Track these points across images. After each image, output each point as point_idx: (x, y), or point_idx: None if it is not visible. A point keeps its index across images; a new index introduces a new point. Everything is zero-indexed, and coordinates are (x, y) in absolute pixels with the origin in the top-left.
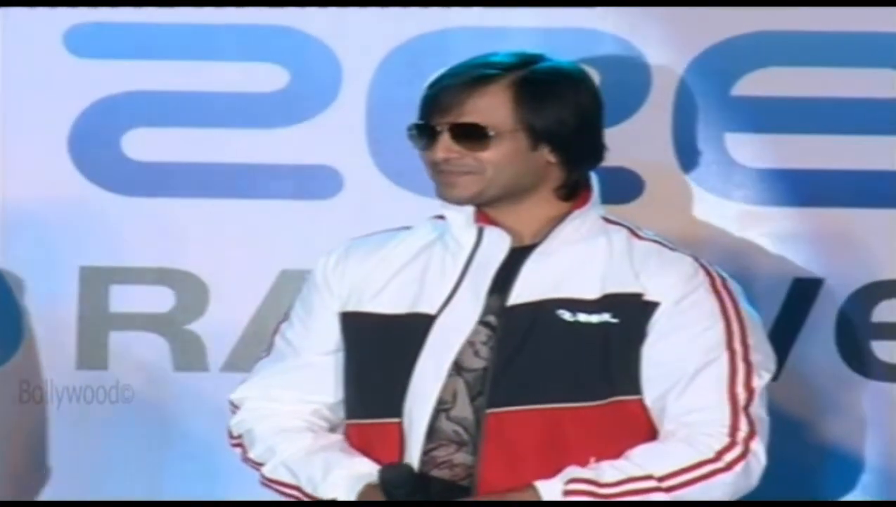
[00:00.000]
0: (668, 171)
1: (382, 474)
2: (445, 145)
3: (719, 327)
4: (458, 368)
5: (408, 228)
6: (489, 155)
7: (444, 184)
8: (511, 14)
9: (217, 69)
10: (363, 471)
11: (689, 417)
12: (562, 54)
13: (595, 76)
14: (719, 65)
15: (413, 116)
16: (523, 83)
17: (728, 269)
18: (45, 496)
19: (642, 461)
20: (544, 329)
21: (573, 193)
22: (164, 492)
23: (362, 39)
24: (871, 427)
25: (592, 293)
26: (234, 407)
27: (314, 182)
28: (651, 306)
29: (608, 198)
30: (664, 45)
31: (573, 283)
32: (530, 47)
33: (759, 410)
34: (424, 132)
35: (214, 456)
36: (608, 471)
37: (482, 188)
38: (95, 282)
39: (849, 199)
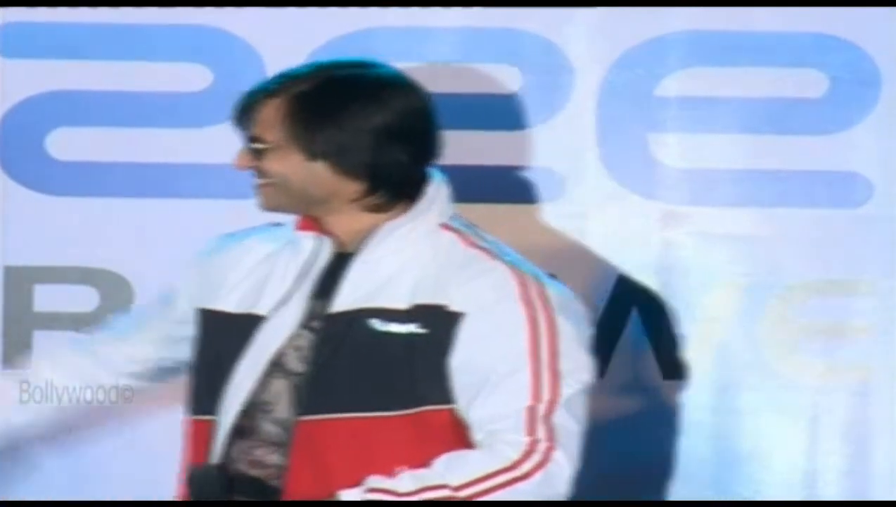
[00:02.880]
0: (591, 171)
1: (189, 472)
2: (241, 154)
3: (523, 335)
4: (284, 371)
5: (275, 225)
6: (269, 166)
7: (255, 194)
8: (437, 14)
9: (142, 69)
10: None
11: (491, 425)
12: (486, 55)
13: (518, 77)
14: (642, 65)
15: None
16: (300, 98)
17: (651, 267)
18: None
19: (443, 469)
20: (356, 338)
21: (387, 204)
22: (92, 490)
23: (286, 39)
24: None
25: (403, 303)
26: None
27: (239, 181)
28: (456, 317)
29: (530, 197)
30: (588, 46)
31: (387, 293)
32: (454, 47)
33: (563, 419)
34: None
35: (146, 450)
36: (406, 480)
37: (280, 199)
38: (20, 281)
39: (771, 199)
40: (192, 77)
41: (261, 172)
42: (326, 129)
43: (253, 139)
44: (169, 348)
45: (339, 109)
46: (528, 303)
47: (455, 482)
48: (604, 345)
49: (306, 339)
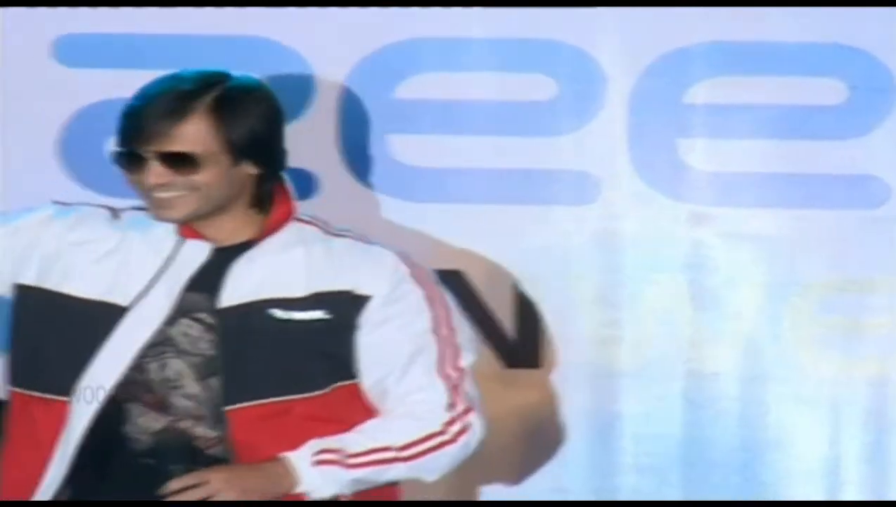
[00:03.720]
0: (622, 174)
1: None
2: (156, 172)
3: (427, 315)
4: (178, 351)
5: (112, 209)
6: (201, 177)
7: (158, 206)
8: (478, 26)
9: None
10: None
11: (409, 397)
12: (524, 65)
13: (554, 86)
14: (671, 74)
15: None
16: (218, 105)
17: (680, 265)
18: None
19: (377, 434)
20: (261, 327)
21: (268, 200)
22: None
23: (334, 49)
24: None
25: (300, 291)
26: None
27: None
28: (362, 300)
29: (565, 199)
30: (619, 56)
31: (280, 283)
32: (494, 57)
33: (470, 386)
34: (131, 159)
35: None
36: (351, 442)
37: (197, 207)
38: None
39: (793, 201)
40: None
41: (177, 185)
42: (249, 128)
43: (174, 155)
44: None
45: (250, 110)
46: (421, 283)
47: (398, 443)
48: None
49: (196, 329)
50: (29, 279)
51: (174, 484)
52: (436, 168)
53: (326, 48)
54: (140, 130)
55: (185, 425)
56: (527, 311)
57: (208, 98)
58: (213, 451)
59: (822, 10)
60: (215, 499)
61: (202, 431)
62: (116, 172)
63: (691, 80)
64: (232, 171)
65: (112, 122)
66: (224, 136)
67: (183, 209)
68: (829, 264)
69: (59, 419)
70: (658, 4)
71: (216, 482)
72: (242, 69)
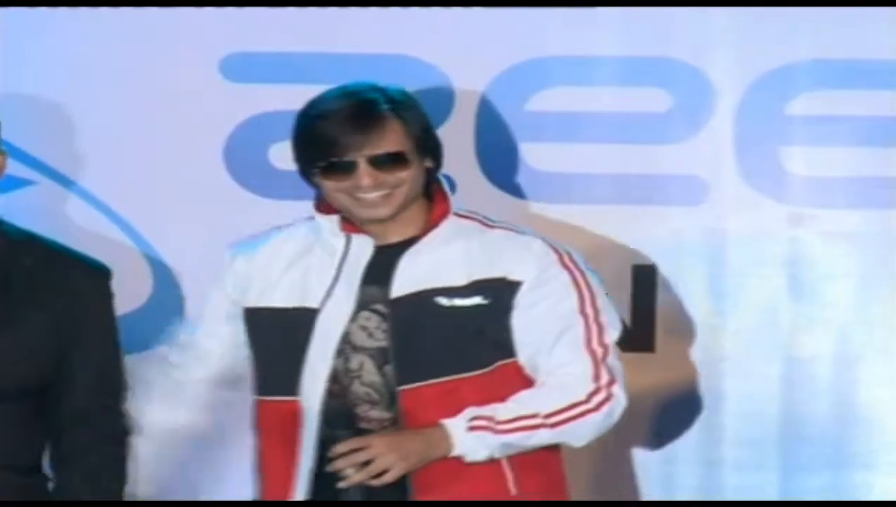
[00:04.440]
0: (728, 178)
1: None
2: (369, 174)
3: (573, 296)
4: (353, 347)
5: (284, 226)
6: (405, 175)
7: (370, 206)
8: (600, 44)
9: None
10: None
11: (558, 370)
12: (641, 79)
13: (668, 98)
14: (774, 88)
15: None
16: (400, 109)
17: (780, 261)
18: None
19: (525, 402)
20: (429, 315)
21: (433, 195)
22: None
23: (472, 67)
24: None
25: (461, 281)
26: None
27: None
28: (515, 285)
29: (678, 201)
30: (727, 72)
31: (443, 274)
32: (614, 73)
33: (614, 361)
34: (340, 167)
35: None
36: (501, 410)
37: (402, 202)
38: None
39: (883, 202)
40: None
41: (387, 183)
42: (424, 126)
43: (383, 156)
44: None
45: (420, 111)
46: (568, 267)
47: (544, 412)
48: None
49: (373, 320)
50: (245, 302)
51: (339, 447)
52: (563, 172)
53: (464, 66)
54: (345, 139)
55: (361, 409)
56: (643, 300)
57: (391, 104)
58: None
59: None
60: (377, 462)
61: (377, 414)
62: (273, 175)
63: (792, 94)
64: (420, 167)
65: (273, 131)
66: (412, 134)
67: (391, 206)
68: None
69: (295, 417)
70: (762, 24)
71: (378, 446)
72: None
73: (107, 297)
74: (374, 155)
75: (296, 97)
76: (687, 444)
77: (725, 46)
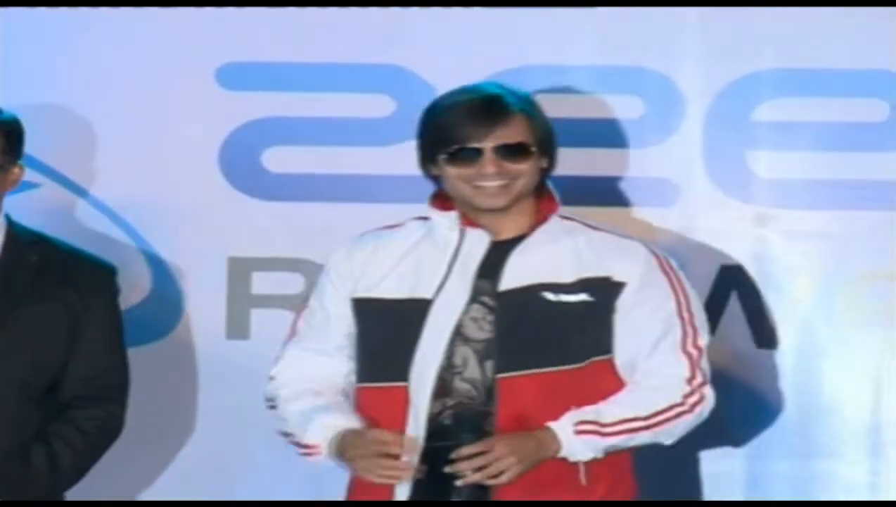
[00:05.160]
0: (698, 181)
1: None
2: (494, 162)
3: (672, 301)
4: (464, 338)
5: (396, 226)
6: (525, 167)
7: (488, 194)
8: (576, 53)
9: (338, 99)
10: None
11: (657, 372)
12: (615, 87)
13: (641, 105)
14: (741, 95)
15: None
16: (525, 106)
17: (747, 258)
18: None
19: (627, 404)
20: (535, 309)
21: (543, 195)
22: None
23: (454, 75)
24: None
25: (569, 278)
26: (270, 379)
27: (411, 188)
28: (619, 286)
29: (650, 202)
30: (697, 80)
31: (552, 271)
32: (590, 81)
33: (706, 363)
34: (468, 154)
35: None
36: (605, 413)
37: (517, 194)
38: (240, 269)
39: (843, 203)
40: (378, 105)
41: (508, 174)
42: (547, 131)
43: (510, 147)
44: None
45: (541, 112)
46: (667, 273)
47: (644, 414)
48: (710, 320)
49: (481, 312)
50: (355, 293)
51: (464, 450)
52: None
53: (447, 74)
54: (474, 128)
55: (459, 407)
56: None
57: (518, 101)
58: (481, 425)
59: (869, 39)
60: (497, 464)
61: (474, 408)
62: (266, 177)
63: (757, 101)
64: (537, 164)
65: (266, 136)
66: (536, 131)
67: (508, 197)
68: (872, 257)
69: (402, 402)
70: (729, 36)
71: (501, 448)
72: (375, 91)
73: (113, 294)
74: (499, 145)
75: (288, 105)
76: None
77: (695, 57)
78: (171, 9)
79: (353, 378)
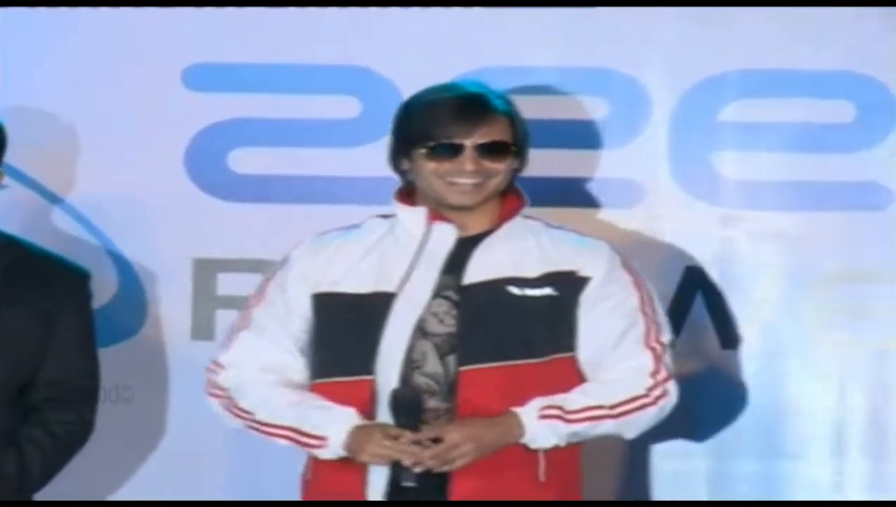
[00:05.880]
0: (663, 182)
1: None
2: (472, 159)
3: (635, 297)
4: (423, 333)
5: (355, 225)
6: (501, 166)
7: (461, 192)
8: (539, 55)
9: (304, 101)
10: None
11: (620, 364)
12: (580, 88)
13: (606, 106)
14: (706, 96)
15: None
16: (507, 106)
17: (712, 259)
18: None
19: (594, 393)
20: (500, 302)
21: (509, 194)
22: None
23: (420, 77)
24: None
25: (534, 273)
26: (220, 367)
27: (380, 191)
28: (584, 281)
29: (615, 203)
30: (662, 81)
31: (516, 266)
32: (554, 82)
33: (668, 358)
34: (447, 149)
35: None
36: (570, 400)
37: (488, 193)
38: (206, 271)
39: (808, 204)
40: (344, 107)
41: (483, 172)
42: (525, 132)
43: (490, 145)
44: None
45: (522, 118)
46: (629, 270)
47: (609, 403)
48: (674, 321)
49: (444, 306)
50: (317, 289)
51: (421, 436)
52: None
53: (412, 76)
54: (456, 125)
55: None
56: None
57: (500, 101)
58: (441, 420)
59: (834, 40)
60: (452, 451)
61: (434, 404)
62: (232, 179)
63: (723, 102)
64: (512, 164)
65: (231, 138)
66: (516, 132)
67: (479, 195)
68: (838, 259)
69: (367, 394)
70: (695, 37)
71: (455, 435)
72: (342, 92)
73: (86, 298)
74: (481, 143)
75: (254, 106)
76: None
77: (660, 58)
78: (136, 9)
79: (307, 373)
